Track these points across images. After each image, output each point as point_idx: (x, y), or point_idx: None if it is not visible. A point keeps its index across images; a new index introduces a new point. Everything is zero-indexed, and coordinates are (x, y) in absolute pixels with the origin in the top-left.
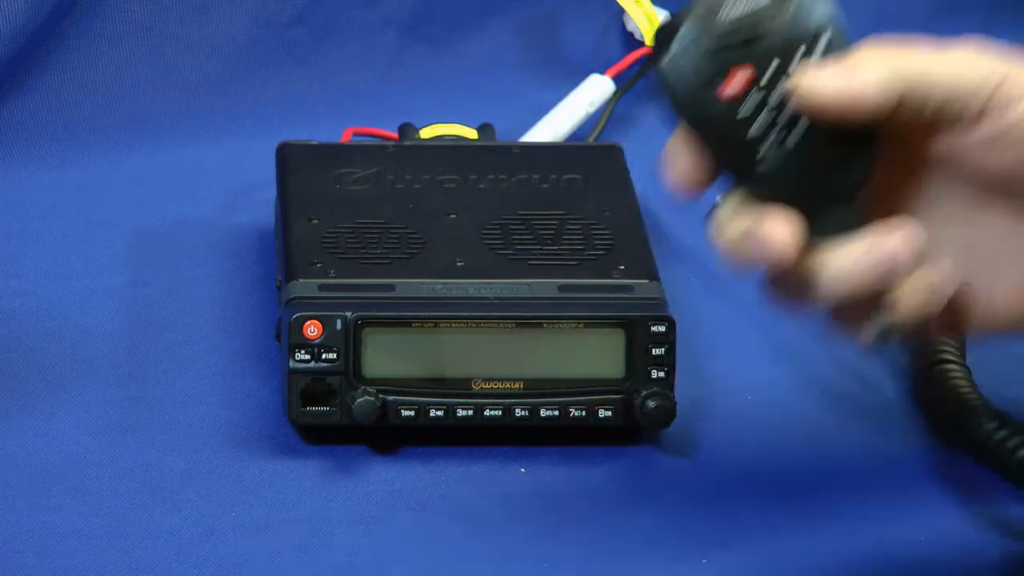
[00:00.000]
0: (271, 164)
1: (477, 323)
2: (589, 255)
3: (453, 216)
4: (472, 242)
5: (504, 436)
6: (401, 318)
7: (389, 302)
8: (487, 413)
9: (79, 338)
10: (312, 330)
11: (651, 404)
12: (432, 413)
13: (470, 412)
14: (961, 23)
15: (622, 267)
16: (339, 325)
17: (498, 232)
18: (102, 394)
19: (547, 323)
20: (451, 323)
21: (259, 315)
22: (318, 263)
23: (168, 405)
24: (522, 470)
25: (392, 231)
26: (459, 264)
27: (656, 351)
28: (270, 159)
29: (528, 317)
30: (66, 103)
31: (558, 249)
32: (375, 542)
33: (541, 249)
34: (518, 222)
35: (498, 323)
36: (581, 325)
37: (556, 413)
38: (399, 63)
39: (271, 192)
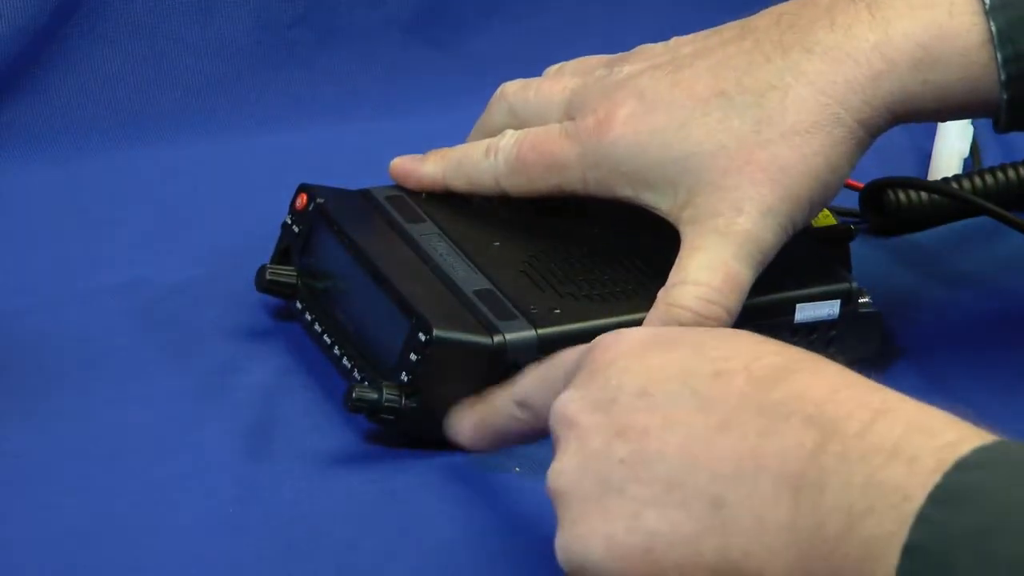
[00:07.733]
0: (271, 164)
1: None
2: None
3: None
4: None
5: None
6: None
7: None
8: None
9: (79, 338)
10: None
11: None
12: None
13: None
14: None
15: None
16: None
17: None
18: (102, 394)
19: None
20: None
21: (258, 314)
22: None
23: (167, 404)
24: (516, 469)
25: None
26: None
27: None
28: (270, 159)
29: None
30: (67, 103)
31: None
32: (370, 541)
33: None
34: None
35: None
36: None
37: None
38: (401, 64)
39: (271, 192)
